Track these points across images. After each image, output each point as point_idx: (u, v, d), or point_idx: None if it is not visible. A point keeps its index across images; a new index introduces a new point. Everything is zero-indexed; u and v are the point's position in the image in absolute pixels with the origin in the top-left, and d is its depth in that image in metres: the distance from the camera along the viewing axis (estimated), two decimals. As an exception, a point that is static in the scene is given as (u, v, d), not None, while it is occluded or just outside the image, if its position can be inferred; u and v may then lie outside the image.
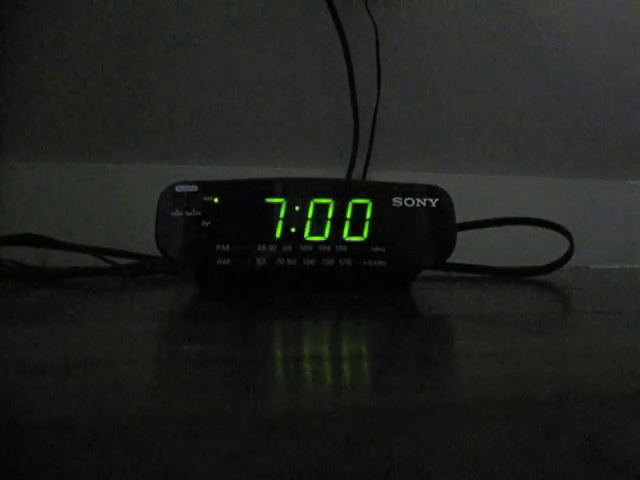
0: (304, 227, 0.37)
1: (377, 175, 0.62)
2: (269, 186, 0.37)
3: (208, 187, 0.36)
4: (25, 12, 0.57)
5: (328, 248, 0.36)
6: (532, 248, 0.60)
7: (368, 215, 0.37)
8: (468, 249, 0.49)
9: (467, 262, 0.49)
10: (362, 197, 0.37)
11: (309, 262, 0.36)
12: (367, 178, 0.61)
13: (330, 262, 0.36)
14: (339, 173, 0.60)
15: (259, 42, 0.61)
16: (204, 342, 0.21)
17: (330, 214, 0.37)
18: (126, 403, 0.14)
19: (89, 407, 0.13)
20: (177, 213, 0.36)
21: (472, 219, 0.49)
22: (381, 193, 0.38)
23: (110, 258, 0.46)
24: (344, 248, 0.37)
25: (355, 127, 0.61)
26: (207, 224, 0.36)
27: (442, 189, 0.38)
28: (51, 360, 0.17)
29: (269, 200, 0.37)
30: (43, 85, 0.58)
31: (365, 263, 0.36)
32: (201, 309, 0.31)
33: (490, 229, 0.52)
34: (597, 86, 0.69)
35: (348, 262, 0.36)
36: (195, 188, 0.36)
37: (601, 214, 0.69)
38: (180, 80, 0.60)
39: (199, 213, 0.36)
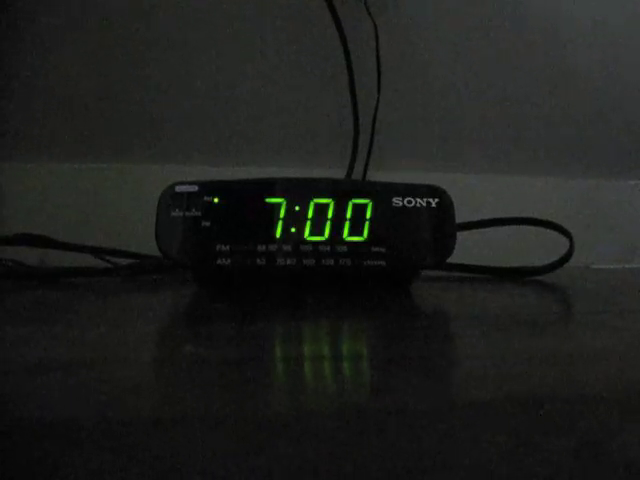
0: (304, 227, 0.37)
1: (377, 175, 0.62)
2: (269, 186, 0.37)
3: (208, 187, 0.36)
4: (25, 13, 0.57)
5: (328, 248, 0.36)
6: (532, 248, 0.60)
7: (368, 215, 0.37)
8: (468, 249, 0.49)
9: (467, 262, 0.49)
10: (362, 197, 0.37)
11: (309, 262, 0.36)
12: (367, 178, 0.61)
13: (330, 262, 0.36)
14: (339, 173, 0.60)
15: (259, 42, 0.61)
16: (204, 342, 0.21)
17: (330, 214, 0.37)
18: (126, 403, 0.14)
19: (88, 407, 0.13)
20: (177, 213, 0.36)
21: (472, 219, 0.49)
22: (381, 193, 0.38)
23: (110, 258, 0.46)
24: (344, 248, 0.36)
25: (355, 127, 0.61)
26: (207, 224, 0.36)
27: (442, 189, 0.38)
28: (50, 360, 0.17)
29: (269, 200, 0.37)
30: (43, 85, 0.58)
31: (365, 263, 0.36)
32: (201, 309, 0.31)
33: (490, 229, 0.52)
34: (598, 86, 0.69)
35: (348, 262, 0.36)
36: (195, 188, 0.36)
37: (601, 214, 0.69)
38: (180, 80, 0.60)
39: (199, 213, 0.36)
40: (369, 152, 0.61)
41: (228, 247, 0.36)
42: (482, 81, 0.66)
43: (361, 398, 0.14)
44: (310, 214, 0.37)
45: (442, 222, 0.38)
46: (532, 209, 0.59)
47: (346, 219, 0.37)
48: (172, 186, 0.37)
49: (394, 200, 0.37)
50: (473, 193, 0.65)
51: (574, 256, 0.48)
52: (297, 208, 0.37)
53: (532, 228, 0.51)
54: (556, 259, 0.48)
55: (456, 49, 0.65)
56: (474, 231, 0.50)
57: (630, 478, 0.10)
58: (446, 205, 0.38)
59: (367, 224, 0.37)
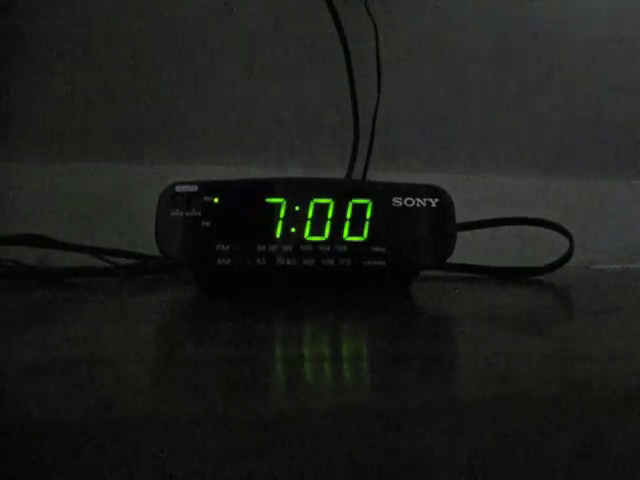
0: (304, 227, 0.37)
1: (377, 175, 0.62)
2: (269, 186, 0.37)
3: (208, 187, 0.36)
4: (25, 13, 0.57)
5: (328, 248, 0.36)
6: (532, 248, 0.60)
7: (368, 215, 0.37)
8: (468, 249, 0.49)
9: (467, 262, 0.49)
10: (362, 197, 0.37)
11: (309, 262, 0.36)
12: (367, 178, 0.61)
13: (330, 262, 0.36)
14: (339, 173, 0.60)
15: (259, 42, 0.61)
16: (204, 342, 0.21)
17: (330, 214, 0.37)
18: (126, 403, 0.14)
19: (88, 407, 0.13)
20: (177, 213, 0.36)
21: (472, 219, 0.49)
22: (381, 193, 0.38)
23: (110, 258, 0.46)
24: (344, 248, 0.36)
25: (355, 128, 0.61)
26: (207, 224, 0.36)
27: (442, 189, 0.38)
28: (50, 360, 0.17)
29: (269, 200, 0.37)
30: (43, 85, 0.58)
31: (365, 263, 0.36)
32: (201, 309, 0.31)
33: (490, 229, 0.52)
34: (599, 86, 0.69)
35: (348, 262, 0.36)
36: (195, 188, 0.36)
37: (601, 214, 0.69)
38: (180, 80, 0.60)
39: (199, 213, 0.36)
40: (369, 152, 0.61)
41: (228, 247, 0.36)
42: (482, 80, 0.66)
43: (361, 398, 0.14)
44: (310, 214, 0.37)
45: (442, 222, 0.38)
46: (532, 209, 0.59)
47: (346, 219, 0.37)
48: (172, 186, 0.37)
49: (394, 200, 0.37)
50: (473, 193, 0.65)
51: (574, 256, 0.48)
52: (297, 208, 0.37)
53: (532, 228, 0.51)
54: (556, 259, 0.48)
55: (456, 48, 0.65)
56: (474, 231, 0.50)
57: (630, 478, 0.10)
58: (446, 205, 0.38)
59: (367, 224, 0.37)
